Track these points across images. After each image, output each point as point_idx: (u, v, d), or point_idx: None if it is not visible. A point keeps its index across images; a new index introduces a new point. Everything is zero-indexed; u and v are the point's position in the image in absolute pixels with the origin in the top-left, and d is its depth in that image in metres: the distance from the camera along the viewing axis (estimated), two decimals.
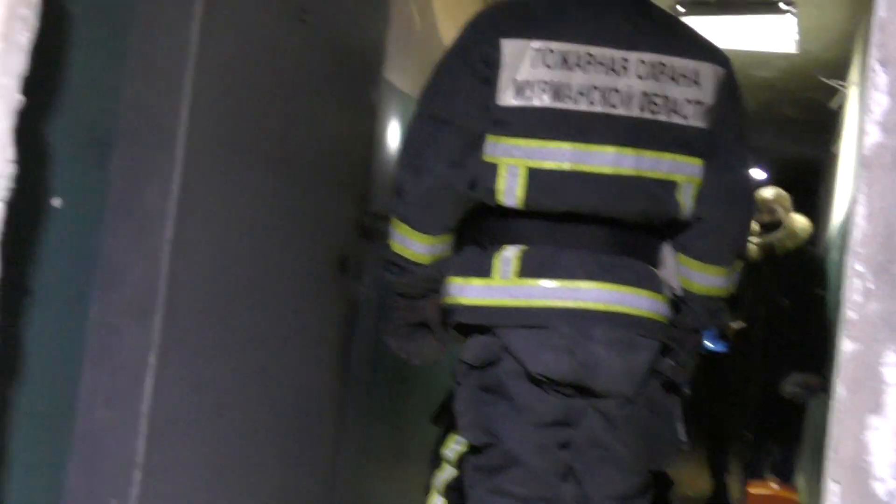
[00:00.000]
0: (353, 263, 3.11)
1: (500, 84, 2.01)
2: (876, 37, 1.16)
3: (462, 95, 2.05)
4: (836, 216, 6.76)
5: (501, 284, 2.03)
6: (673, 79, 2.06)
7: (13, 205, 1.46)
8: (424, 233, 2.11)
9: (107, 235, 2.06)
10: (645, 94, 2.04)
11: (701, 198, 2.14)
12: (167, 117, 2.22)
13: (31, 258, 1.87)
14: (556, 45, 2.01)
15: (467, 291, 2.07)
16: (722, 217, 2.18)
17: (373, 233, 3.12)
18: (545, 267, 2.03)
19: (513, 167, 2.03)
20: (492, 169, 2.05)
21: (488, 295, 2.04)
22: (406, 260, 2.14)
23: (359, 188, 3.17)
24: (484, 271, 2.06)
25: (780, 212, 5.76)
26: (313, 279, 2.92)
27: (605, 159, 2.03)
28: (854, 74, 6.07)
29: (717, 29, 5.91)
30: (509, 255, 2.04)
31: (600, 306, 2.02)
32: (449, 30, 4.07)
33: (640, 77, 2.04)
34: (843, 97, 6.26)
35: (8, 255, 1.48)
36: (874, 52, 1.17)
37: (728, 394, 5.80)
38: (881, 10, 1.16)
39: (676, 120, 2.06)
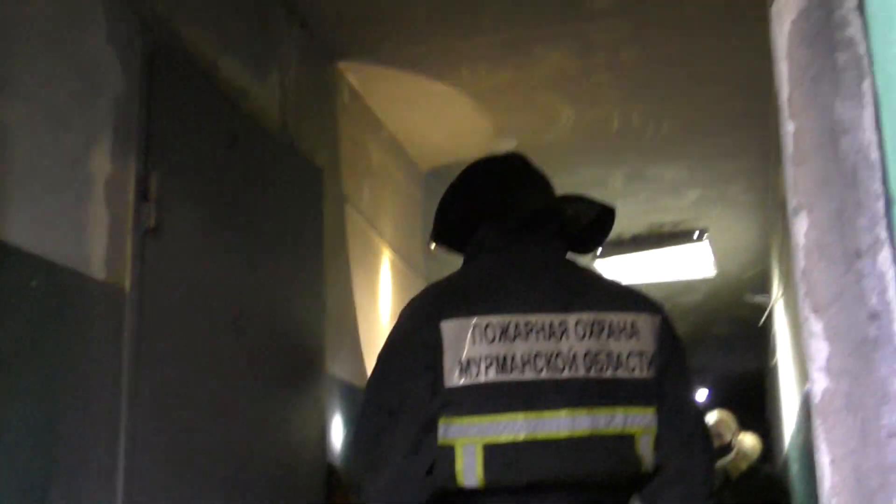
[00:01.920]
0: None
1: (446, 366, 1.98)
2: (802, 288, 1.18)
3: (409, 382, 2.02)
4: (788, 428, 6.76)
5: None
6: (611, 335, 2.07)
7: None
8: None
9: None
10: (587, 354, 2.03)
11: (659, 447, 2.10)
12: (104, 449, 2.15)
13: None
14: (494, 319, 2.01)
15: None
16: (683, 463, 2.13)
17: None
18: None
19: (469, 446, 1.99)
20: (448, 452, 2.00)
21: None
22: None
23: (316, 485, 3.09)
24: None
25: (727, 435, 5.80)
26: None
27: (559, 424, 2.00)
28: (775, 288, 6.25)
29: (636, 264, 6.12)
30: None
31: None
32: (372, 310, 4.11)
33: (580, 338, 2.05)
34: (769, 311, 6.40)
35: None
36: (804, 303, 1.19)
37: None
38: (801, 261, 1.19)
39: (622, 374, 2.05)
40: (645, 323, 2.11)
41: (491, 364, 1.99)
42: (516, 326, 2.02)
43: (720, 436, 5.73)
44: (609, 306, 2.10)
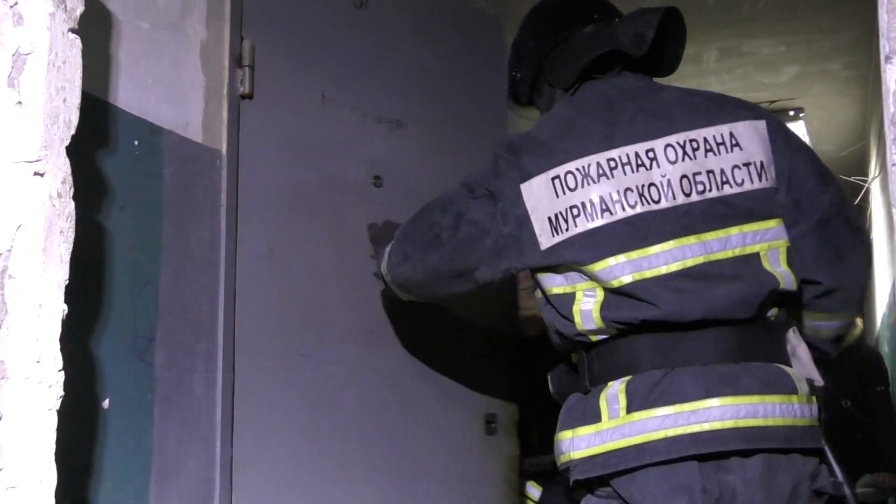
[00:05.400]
0: (502, 422, 2.96)
1: (536, 229, 1.89)
2: (891, 134, 1.18)
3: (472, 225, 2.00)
4: (880, 308, 6.68)
5: (612, 426, 1.80)
6: (710, 150, 1.89)
7: (64, 411, 1.47)
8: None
9: (158, 429, 2.06)
10: (684, 177, 1.86)
11: (808, 260, 1.94)
12: (205, 304, 2.25)
13: (85, 462, 1.87)
14: (572, 165, 1.87)
15: (577, 443, 1.86)
16: (839, 274, 1.97)
17: None
18: (656, 393, 1.79)
19: (589, 291, 1.88)
20: (567, 299, 1.90)
21: (599, 441, 1.82)
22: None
23: (502, 342, 3.05)
24: (591, 416, 1.85)
25: None
26: (455, 442, 2.83)
27: (666, 258, 1.83)
28: (872, 168, 6.10)
29: None
30: (614, 390, 1.82)
31: (728, 424, 1.75)
32: None
33: (672, 162, 1.88)
34: (865, 190, 6.27)
35: (61, 462, 1.48)
36: (892, 149, 1.18)
37: None
38: (891, 108, 1.18)
39: (730, 190, 1.87)
40: (746, 130, 1.91)
41: (578, 213, 1.85)
42: (598, 167, 1.86)
43: None
44: (700, 122, 1.91)
